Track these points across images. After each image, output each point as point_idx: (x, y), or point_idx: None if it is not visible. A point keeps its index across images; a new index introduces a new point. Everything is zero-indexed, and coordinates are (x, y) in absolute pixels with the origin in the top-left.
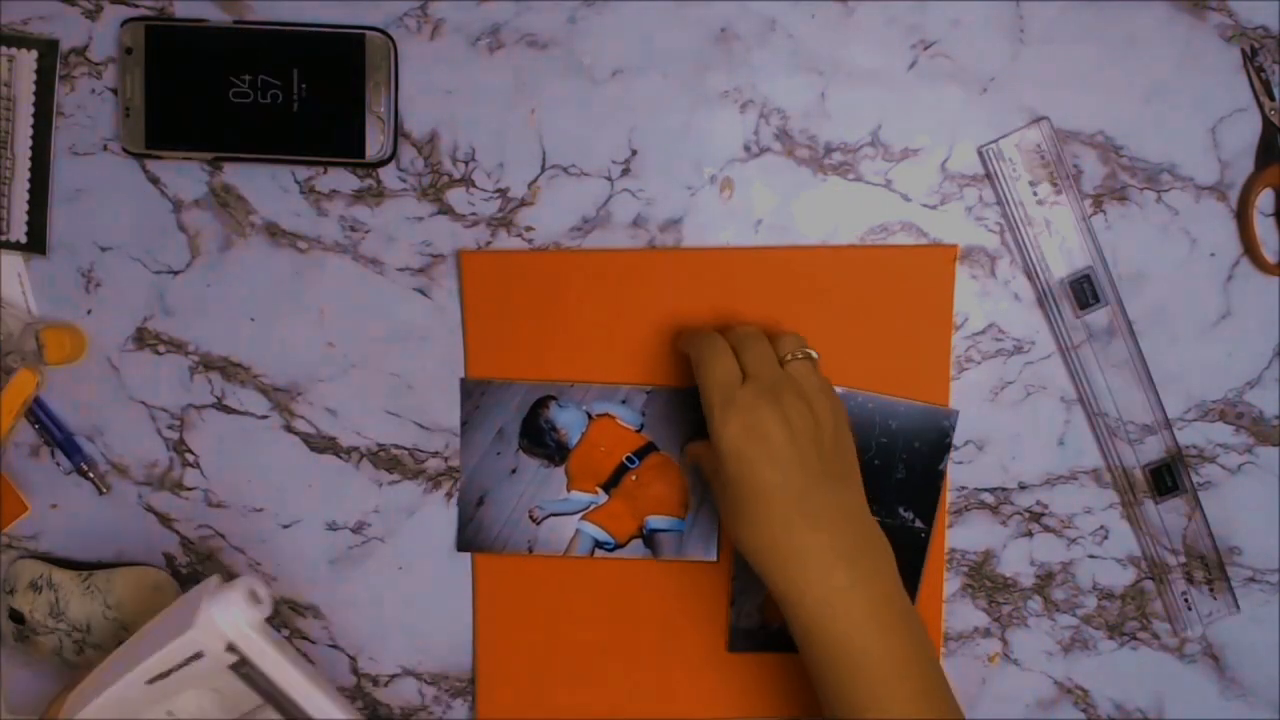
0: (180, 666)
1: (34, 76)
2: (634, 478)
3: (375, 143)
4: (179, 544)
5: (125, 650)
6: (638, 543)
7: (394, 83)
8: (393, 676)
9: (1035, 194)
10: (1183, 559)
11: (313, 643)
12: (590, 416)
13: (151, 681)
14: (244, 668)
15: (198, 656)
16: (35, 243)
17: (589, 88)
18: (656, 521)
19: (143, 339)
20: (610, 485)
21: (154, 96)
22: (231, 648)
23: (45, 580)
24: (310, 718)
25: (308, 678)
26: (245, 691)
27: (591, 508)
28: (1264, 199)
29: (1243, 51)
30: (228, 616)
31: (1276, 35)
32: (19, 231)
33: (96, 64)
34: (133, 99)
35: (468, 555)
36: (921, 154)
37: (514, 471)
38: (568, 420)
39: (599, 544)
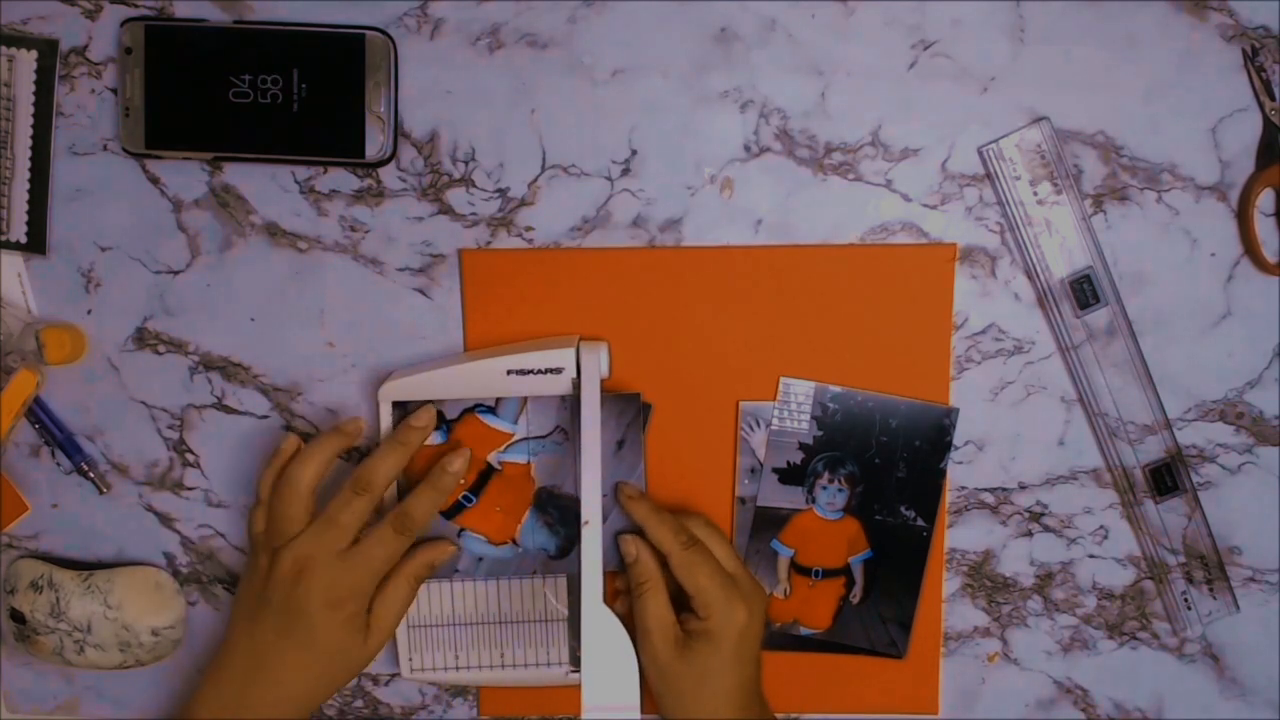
0: (540, 372)
1: (34, 76)
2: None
3: (375, 143)
4: (179, 544)
5: (496, 349)
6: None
7: (394, 83)
8: (393, 675)
9: (1035, 194)
10: (1183, 559)
11: None
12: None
13: (511, 373)
14: (571, 397)
15: (556, 370)
16: (35, 243)
17: (589, 88)
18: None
19: (143, 339)
20: (478, 488)
21: (154, 96)
22: (576, 386)
23: (46, 580)
24: (579, 457)
25: (597, 440)
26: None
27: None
28: (1264, 199)
29: (1243, 51)
30: (596, 355)
31: (1276, 35)
32: (19, 231)
33: (96, 64)
34: (133, 99)
35: None
36: (921, 154)
37: None
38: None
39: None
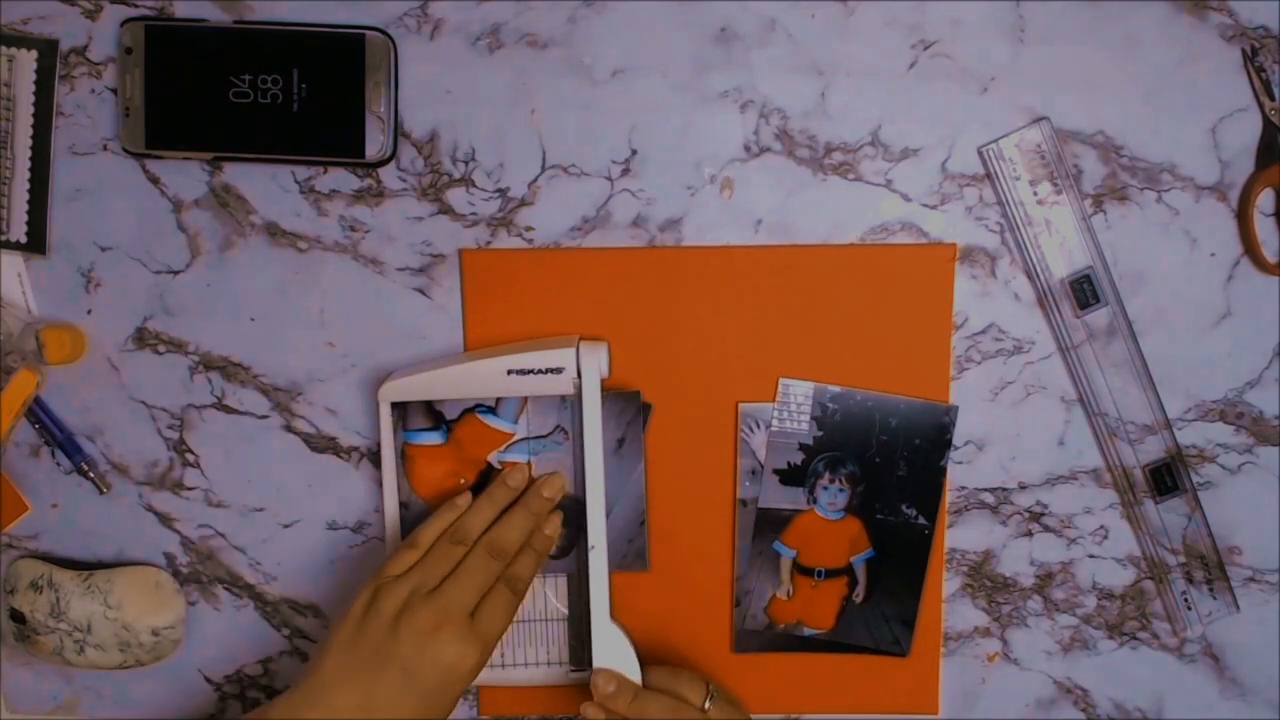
0: (541, 372)
1: (34, 76)
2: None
3: (375, 143)
4: (179, 544)
5: (496, 348)
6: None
7: (394, 83)
8: None
9: (1035, 194)
10: (1182, 559)
11: (313, 641)
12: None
13: (511, 373)
14: (573, 397)
15: (557, 370)
16: (35, 243)
17: (589, 88)
18: None
19: (143, 339)
20: (478, 488)
21: (154, 96)
22: (577, 386)
23: (46, 580)
24: (582, 459)
25: (599, 446)
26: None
27: None
28: (1264, 199)
29: (1243, 51)
30: (596, 356)
31: (1276, 35)
32: (19, 231)
33: (96, 64)
34: (133, 99)
35: None
36: (921, 154)
37: None
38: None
39: None
